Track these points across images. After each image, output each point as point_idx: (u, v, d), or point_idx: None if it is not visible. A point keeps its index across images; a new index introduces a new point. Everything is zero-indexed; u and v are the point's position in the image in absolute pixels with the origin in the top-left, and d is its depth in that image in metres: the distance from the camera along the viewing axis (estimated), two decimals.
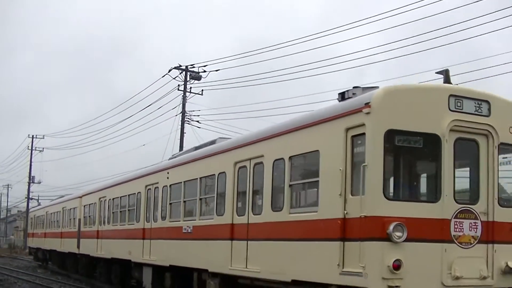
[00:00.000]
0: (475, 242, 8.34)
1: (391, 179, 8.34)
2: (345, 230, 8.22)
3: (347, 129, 8.38)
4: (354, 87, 9.07)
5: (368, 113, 7.98)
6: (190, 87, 37.11)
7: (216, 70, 36.25)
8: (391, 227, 7.65)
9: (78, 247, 24.20)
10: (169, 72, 36.54)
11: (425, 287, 7.91)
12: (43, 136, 69.16)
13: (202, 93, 37.16)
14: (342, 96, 9.06)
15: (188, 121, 36.63)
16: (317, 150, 9.02)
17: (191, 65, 36.71)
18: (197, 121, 37.06)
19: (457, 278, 8.05)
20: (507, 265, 8.40)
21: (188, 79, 36.66)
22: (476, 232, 8.35)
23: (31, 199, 70.00)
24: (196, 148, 15.31)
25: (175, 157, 16.31)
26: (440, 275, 7.97)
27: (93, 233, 22.06)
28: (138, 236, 16.95)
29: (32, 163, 69.11)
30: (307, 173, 9.39)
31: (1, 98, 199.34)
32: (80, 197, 25.14)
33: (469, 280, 8.16)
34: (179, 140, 35.89)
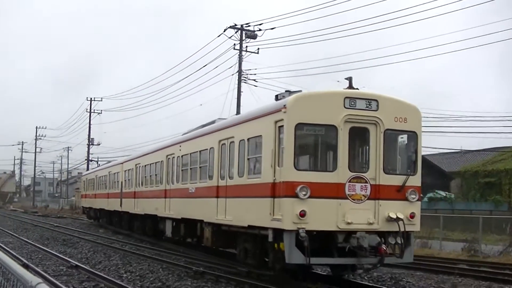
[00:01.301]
0: (365, 199, 12.31)
1: (300, 156, 12.39)
2: (274, 190, 12.36)
3: (276, 122, 12.44)
4: (286, 91, 13.11)
5: (285, 112, 12.02)
6: (246, 46, 37.66)
7: (272, 28, 37.37)
8: (298, 188, 11.74)
9: (121, 205, 29.32)
10: (224, 31, 37.34)
11: (324, 228, 11.99)
12: (101, 98, 72.31)
13: (258, 51, 37.63)
14: (276, 98, 13.13)
15: (244, 80, 37.51)
16: (261, 135, 13.15)
17: (247, 23, 37.16)
18: (254, 80, 37.93)
19: (348, 223, 12.07)
20: (388, 215, 12.33)
21: (243, 38, 37.37)
22: (366, 192, 12.31)
23: (91, 160, 72.93)
24: (203, 126, 19.61)
25: (186, 134, 20.72)
26: (336, 221, 12.01)
27: (131, 194, 27.03)
28: (161, 196, 21.64)
29: (91, 126, 71.99)
30: (256, 150, 13.50)
31: (63, 61, 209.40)
32: (122, 163, 30.18)
33: (359, 225, 12.16)
34: (236, 99, 37.28)
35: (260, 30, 36.95)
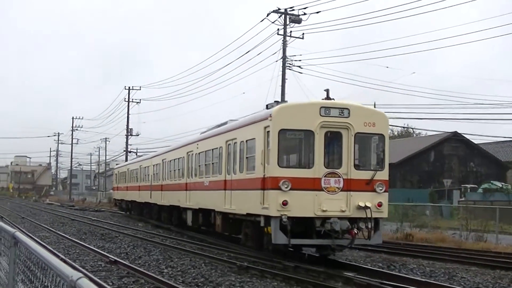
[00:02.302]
0: (339, 190, 15.88)
1: (283, 156, 16.05)
2: (264, 184, 16.09)
3: (265, 127, 16.13)
4: (275, 101, 16.77)
5: (270, 120, 15.72)
6: (290, 31, 37.81)
7: (317, 12, 37.02)
8: (281, 182, 15.41)
9: (150, 197, 33.56)
10: (267, 16, 37.79)
11: (303, 215, 15.63)
12: (140, 87, 72.68)
13: (303, 36, 37.91)
14: (267, 107, 16.84)
15: (289, 66, 37.76)
16: (254, 138, 16.89)
17: (291, 7, 37.43)
18: (299, 67, 38.21)
19: (324, 210, 15.68)
20: (358, 204, 15.88)
21: (287, 22, 37.64)
22: (339, 185, 15.88)
23: (130, 152, 73.17)
24: (218, 125, 23.43)
25: (204, 133, 24.61)
26: (313, 209, 15.63)
27: (159, 186, 31.19)
28: (183, 188, 25.63)
29: (130, 115, 72.69)
30: (252, 150, 17.23)
31: (101, 50, 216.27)
32: (151, 158, 34.41)
33: (333, 212, 15.74)
34: (280, 87, 37.53)
35: (304, 14, 37.20)
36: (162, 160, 30.90)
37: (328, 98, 16.51)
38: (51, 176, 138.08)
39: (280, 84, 37.76)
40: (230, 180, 19.22)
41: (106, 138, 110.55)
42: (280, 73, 37.79)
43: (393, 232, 27.42)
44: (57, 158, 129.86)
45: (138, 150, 73.94)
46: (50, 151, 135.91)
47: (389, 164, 16.89)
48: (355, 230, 15.86)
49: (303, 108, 15.98)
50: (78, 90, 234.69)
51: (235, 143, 18.79)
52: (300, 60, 38.53)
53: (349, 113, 16.03)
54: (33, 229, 29.00)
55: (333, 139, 16.15)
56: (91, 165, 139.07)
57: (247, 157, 17.70)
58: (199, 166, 23.47)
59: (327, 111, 15.89)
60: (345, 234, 15.96)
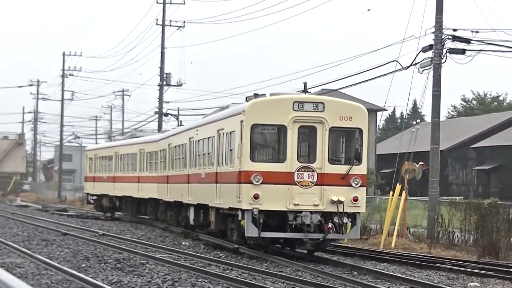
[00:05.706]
0: (312, 185, 26.68)
1: (255, 150, 27.00)
2: (240, 178, 27.01)
3: (241, 121, 27.11)
4: (254, 94, 27.66)
5: (244, 114, 26.61)
6: None
7: None
8: (252, 176, 26.38)
9: (157, 192, 44.78)
10: None
11: (274, 208, 26.44)
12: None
13: None
14: (246, 99, 27.75)
15: None
16: (234, 131, 27.86)
17: None
18: None
19: (296, 204, 26.52)
20: (331, 199, 26.51)
21: None
22: (313, 179, 26.68)
23: (166, 115, 70.68)
24: (222, 108, 34.36)
25: (205, 117, 35.71)
26: (285, 203, 26.49)
27: (164, 178, 42.49)
28: (185, 181, 36.88)
29: (165, 50, 69.88)
30: (233, 143, 28.11)
31: None
32: (158, 141, 45.53)
33: (305, 206, 26.64)
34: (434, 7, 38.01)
35: None
36: (168, 144, 42.12)
37: (305, 91, 27.14)
38: (25, 157, 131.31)
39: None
40: (220, 173, 30.26)
41: (123, 91, 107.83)
42: None
43: None
44: (35, 126, 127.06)
45: (180, 111, 72.33)
46: (24, 113, 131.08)
47: None
48: (329, 225, 26.48)
49: (276, 103, 26.86)
50: (77, 10, 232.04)
51: (224, 133, 29.87)
52: None
53: (323, 107, 26.76)
54: None
55: (307, 134, 26.87)
56: (96, 138, 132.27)
57: (230, 150, 28.70)
58: (198, 155, 34.76)
59: (301, 106, 26.64)
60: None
